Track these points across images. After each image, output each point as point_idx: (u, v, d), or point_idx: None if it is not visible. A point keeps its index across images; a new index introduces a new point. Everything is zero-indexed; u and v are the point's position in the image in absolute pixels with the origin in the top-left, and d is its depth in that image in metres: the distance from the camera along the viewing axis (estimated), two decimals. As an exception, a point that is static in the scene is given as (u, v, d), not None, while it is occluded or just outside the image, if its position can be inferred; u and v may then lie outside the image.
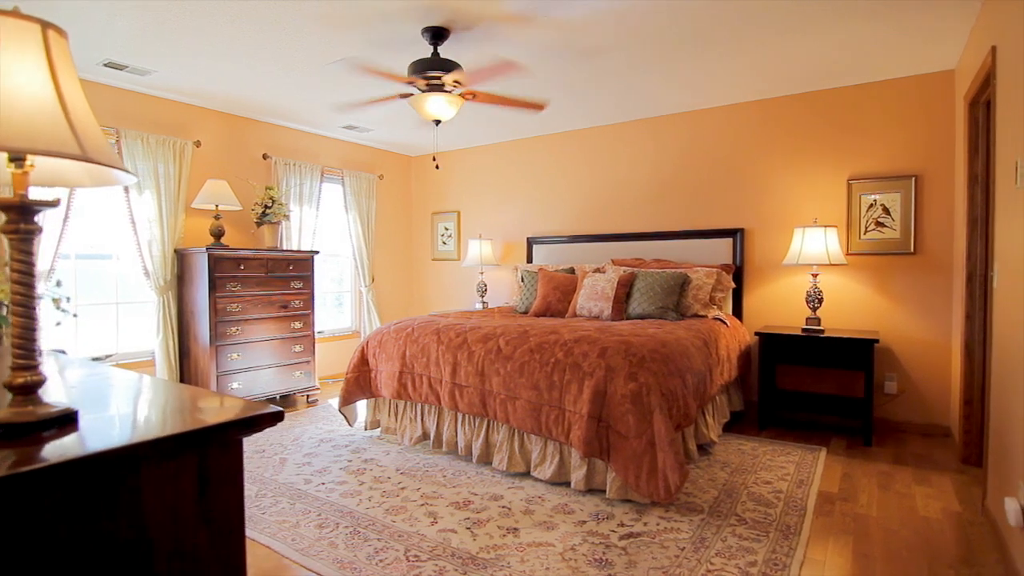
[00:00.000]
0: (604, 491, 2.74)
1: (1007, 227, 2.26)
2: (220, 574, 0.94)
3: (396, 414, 3.65)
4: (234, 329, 4.20)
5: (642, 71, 3.79)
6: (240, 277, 4.25)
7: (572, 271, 4.84)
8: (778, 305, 4.35)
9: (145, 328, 4.31)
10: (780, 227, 4.32)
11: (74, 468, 0.75)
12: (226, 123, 4.74)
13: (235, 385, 4.20)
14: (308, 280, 4.73)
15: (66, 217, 3.62)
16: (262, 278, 4.40)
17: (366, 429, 3.80)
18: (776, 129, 4.33)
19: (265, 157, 5.00)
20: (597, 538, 2.34)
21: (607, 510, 2.60)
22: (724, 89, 4.17)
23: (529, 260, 5.59)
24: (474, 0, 2.80)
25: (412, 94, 3.34)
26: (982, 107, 3.04)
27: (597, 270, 4.62)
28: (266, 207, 4.62)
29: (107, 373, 1.36)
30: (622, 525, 2.45)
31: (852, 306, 4.06)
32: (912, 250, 3.84)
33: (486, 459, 3.18)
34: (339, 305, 5.97)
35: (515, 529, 2.43)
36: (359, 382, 3.72)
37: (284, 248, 4.91)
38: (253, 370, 4.32)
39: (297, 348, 4.63)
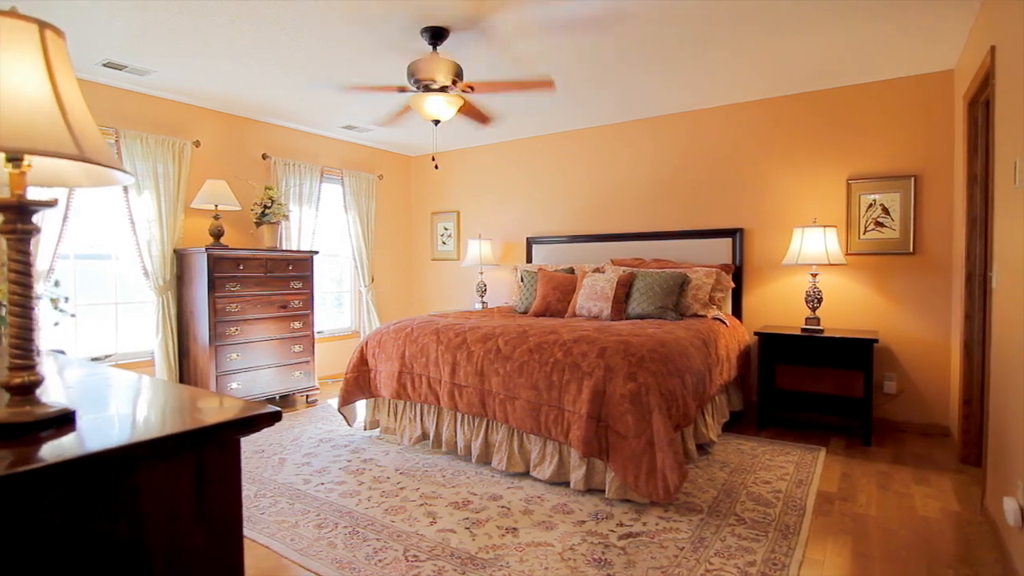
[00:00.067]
0: (603, 491, 2.74)
1: (1006, 227, 2.26)
2: (218, 574, 0.94)
3: (395, 414, 3.65)
4: (233, 329, 4.20)
5: (642, 71, 3.80)
6: (239, 277, 4.25)
7: (571, 271, 4.84)
8: (777, 305, 4.35)
9: (144, 328, 4.31)
10: (779, 227, 4.32)
11: (71, 468, 0.75)
12: (225, 123, 4.74)
13: (234, 385, 4.20)
14: (307, 280, 4.73)
15: (65, 217, 3.62)
16: (261, 278, 4.40)
17: (365, 429, 3.80)
18: (776, 129, 4.34)
19: (264, 157, 5.00)
20: (596, 538, 2.34)
21: (606, 510, 2.60)
22: (724, 89, 4.17)
23: (529, 260, 5.59)
24: (473, 0, 2.80)
25: (411, 94, 3.34)
26: (981, 107, 3.04)
27: (596, 270, 4.62)
28: (265, 207, 4.62)
29: (106, 373, 1.36)
30: (621, 525, 2.45)
31: (851, 306, 4.06)
32: (911, 250, 3.84)
33: (485, 459, 3.18)
34: (339, 305, 5.97)
35: (514, 529, 2.43)
36: (358, 382, 3.72)
37: (283, 248, 4.91)
38: (252, 370, 4.32)
39: (296, 348, 4.63)
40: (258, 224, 4.65)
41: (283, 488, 2.92)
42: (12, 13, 0.87)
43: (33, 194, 0.92)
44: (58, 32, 0.93)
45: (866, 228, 3.98)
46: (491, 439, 3.16)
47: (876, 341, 3.58)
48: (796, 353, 3.83)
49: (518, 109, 4.65)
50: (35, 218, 0.91)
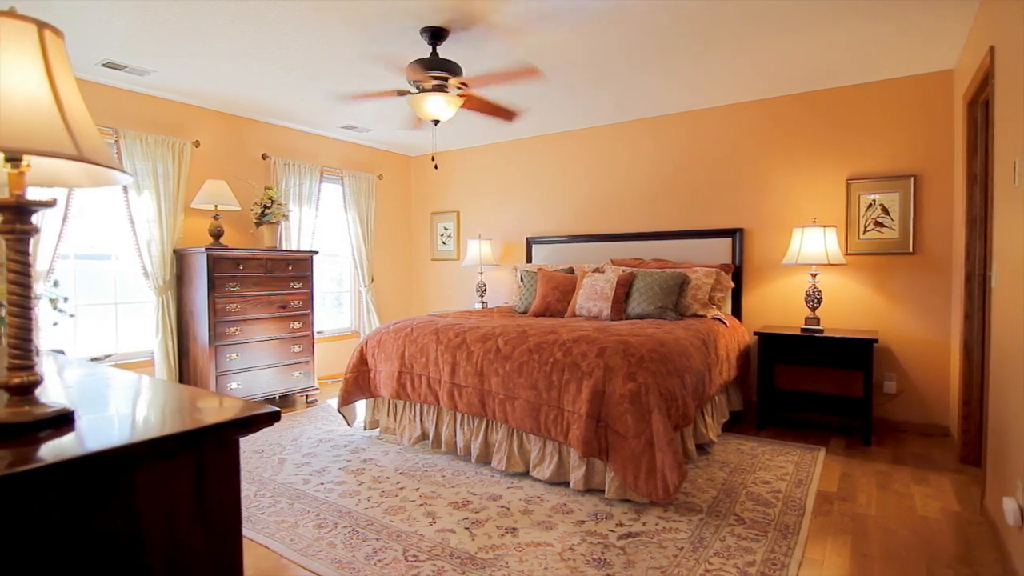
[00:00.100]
0: (603, 491, 2.74)
1: (1005, 227, 2.26)
2: (217, 574, 0.94)
3: (395, 414, 3.65)
4: (233, 329, 4.20)
5: (642, 71, 3.80)
6: (239, 277, 4.25)
7: (571, 271, 4.84)
8: (777, 305, 4.35)
9: (144, 328, 4.31)
10: (779, 227, 4.32)
11: (70, 468, 0.75)
12: (225, 123, 4.74)
13: (234, 385, 4.20)
14: (307, 280, 4.73)
15: (65, 217, 3.62)
16: (261, 278, 4.40)
17: (365, 429, 3.80)
18: (775, 129, 4.34)
19: (264, 157, 5.00)
20: (596, 538, 2.34)
21: (606, 510, 2.60)
22: (724, 89, 4.17)
23: (528, 260, 5.59)
24: (473, 0, 2.80)
25: (410, 92, 3.34)
26: (981, 107, 3.04)
27: (596, 270, 4.62)
28: (265, 207, 4.62)
29: (105, 373, 1.36)
30: (621, 525, 2.45)
31: (851, 306, 4.06)
32: (911, 250, 3.84)
33: (485, 459, 3.18)
34: (338, 305, 5.97)
35: (514, 529, 2.43)
36: (358, 382, 3.72)
37: (283, 248, 4.91)
38: (252, 370, 4.32)
39: (296, 348, 4.63)
40: (258, 224, 4.65)
41: (283, 488, 2.92)
42: (11, 13, 0.87)
43: (32, 194, 0.92)
44: (57, 32, 0.93)
45: (866, 228, 3.98)
46: (491, 439, 3.16)
47: (876, 341, 3.58)
48: (796, 353, 3.83)
49: (523, 102, 4.64)
50: (34, 218, 0.91)
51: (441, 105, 3.20)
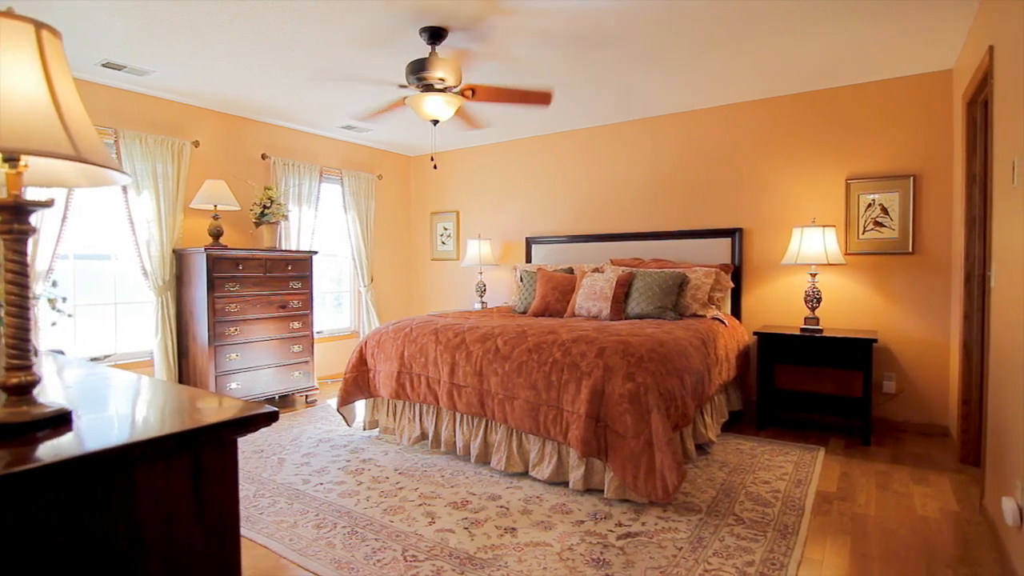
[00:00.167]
0: (602, 491, 2.74)
1: (1005, 227, 2.26)
2: (215, 574, 0.94)
3: (394, 414, 3.65)
4: (232, 329, 4.20)
5: (642, 71, 3.80)
6: (239, 277, 4.25)
7: (571, 271, 4.84)
8: (777, 305, 4.35)
9: (144, 328, 4.31)
10: (779, 227, 4.32)
11: (68, 468, 0.75)
12: (224, 123, 4.74)
13: (234, 385, 4.20)
14: (307, 280, 4.73)
15: (64, 217, 3.62)
16: (261, 278, 4.40)
17: (364, 429, 3.80)
18: (775, 129, 4.34)
19: (264, 157, 5.00)
20: (595, 538, 2.34)
21: (605, 510, 2.60)
22: (723, 89, 4.17)
23: (528, 260, 5.59)
24: (472, 1, 2.80)
25: (410, 94, 3.34)
26: (980, 107, 3.04)
27: (596, 270, 4.62)
28: (265, 207, 4.62)
29: (104, 373, 1.36)
30: (620, 525, 2.46)
31: (851, 306, 4.06)
32: (910, 250, 3.84)
33: (484, 459, 3.18)
34: (338, 305, 5.98)
35: (513, 529, 2.43)
36: (357, 382, 3.72)
37: (283, 248, 4.91)
38: (252, 370, 4.32)
39: (296, 348, 4.63)
40: (257, 224, 4.65)
41: (282, 488, 2.92)
42: (8, 13, 0.87)
43: (31, 194, 0.92)
44: (54, 32, 0.93)
45: (865, 228, 3.98)
46: (490, 439, 3.16)
47: (875, 341, 3.58)
48: (795, 353, 3.83)
49: (518, 109, 4.65)
50: (32, 218, 0.91)
51: (440, 105, 3.20)
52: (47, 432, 0.86)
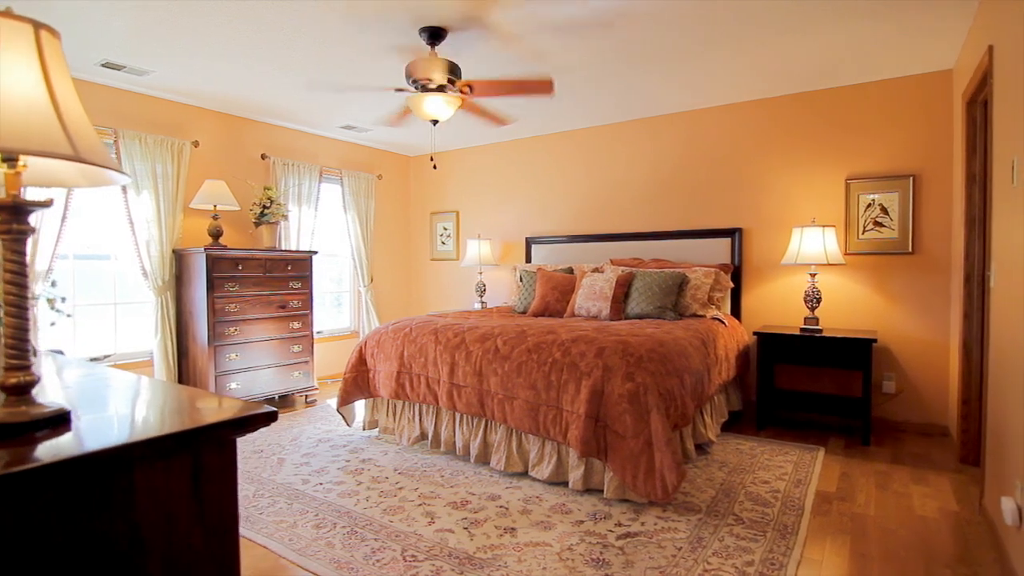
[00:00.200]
0: (602, 491, 2.74)
1: (1004, 226, 2.26)
2: (214, 573, 0.94)
3: (394, 414, 3.65)
4: (232, 329, 4.20)
5: (642, 71, 3.80)
6: (238, 277, 4.25)
7: (571, 271, 4.84)
8: (776, 305, 4.35)
9: (143, 328, 4.31)
10: (778, 227, 4.32)
11: (66, 468, 0.75)
12: (224, 123, 4.74)
13: (233, 385, 4.20)
14: (307, 280, 4.73)
15: (64, 217, 3.62)
16: (260, 278, 4.40)
17: (364, 429, 3.80)
18: (775, 129, 4.34)
19: (263, 157, 5.00)
20: (594, 538, 2.34)
21: (604, 510, 2.60)
22: (723, 89, 4.17)
23: (528, 260, 5.59)
24: (471, 0, 2.80)
25: (409, 94, 3.34)
26: (980, 106, 3.04)
27: (596, 270, 4.62)
28: (264, 207, 4.62)
29: (103, 373, 1.36)
30: (619, 525, 2.46)
31: (850, 306, 4.06)
32: (910, 250, 3.84)
33: (484, 459, 3.18)
34: (338, 305, 5.97)
35: (512, 529, 2.43)
36: (357, 382, 3.72)
37: (283, 248, 4.91)
38: (251, 370, 4.32)
39: (296, 348, 4.63)
40: (257, 224, 4.65)
41: (282, 488, 2.92)
42: (7, 13, 0.87)
43: (30, 195, 0.92)
44: (53, 32, 0.93)
45: (865, 228, 3.98)
46: (490, 439, 3.16)
47: (875, 341, 3.58)
48: (795, 353, 3.83)
49: (517, 109, 4.65)
50: (31, 218, 0.91)
51: (440, 105, 3.20)
52: (46, 432, 0.86)
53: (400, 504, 2.69)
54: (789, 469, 3.12)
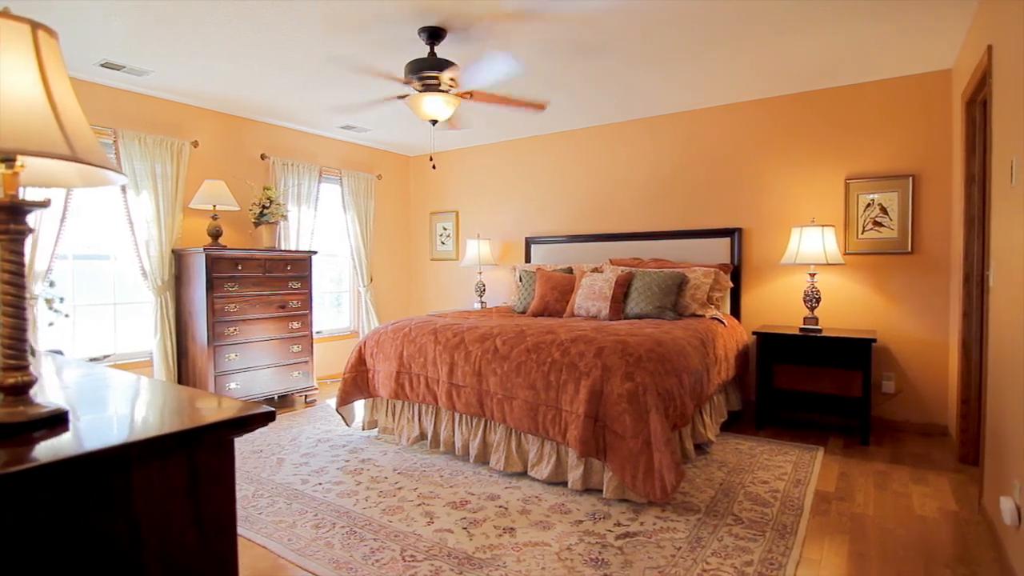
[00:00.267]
0: (601, 491, 2.74)
1: (1003, 226, 2.26)
2: (212, 573, 0.94)
3: (394, 414, 3.65)
4: (232, 329, 4.20)
5: (642, 71, 3.80)
6: (238, 277, 4.25)
7: (570, 271, 4.84)
8: (776, 305, 4.35)
9: (143, 328, 4.31)
10: (778, 227, 4.32)
11: (64, 468, 0.75)
12: (223, 123, 4.74)
13: (233, 385, 4.20)
14: (306, 280, 4.73)
15: (63, 218, 3.62)
16: (260, 278, 4.40)
17: (364, 429, 3.80)
18: (774, 129, 4.34)
19: (263, 157, 5.00)
20: (593, 538, 2.34)
21: (604, 510, 2.60)
22: (723, 89, 4.17)
23: (527, 260, 5.59)
24: (471, 0, 2.80)
25: (409, 94, 3.34)
26: (979, 106, 3.04)
27: (595, 270, 4.62)
28: (264, 207, 4.62)
29: (102, 374, 1.36)
30: (619, 525, 2.46)
31: (850, 305, 4.06)
32: (909, 249, 3.84)
33: (483, 459, 3.18)
34: (337, 305, 5.98)
35: (511, 529, 2.43)
36: (357, 382, 3.72)
37: (282, 248, 4.91)
38: (251, 370, 4.32)
39: (295, 348, 4.63)
40: (256, 224, 4.65)
41: (281, 488, 2.92)
42: (4, 13, 0.87)
43: (28, 195, 0.92)
44: (51, 32, 0.93)
45: (864, 228, 3.98)
46: (489, 439, 3.16)
47: (874, 341, 3.58)
48: (794, 353, 3.83)
49: (516, 109, 4.65)
50: (29, 218, 0.91)
51: (439, 105, 3.20)
52: (44, 432, 0.86)
53: (399, 504, 2.70)
54: (788, 469, 3.12)
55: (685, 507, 2.63)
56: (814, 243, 3.80)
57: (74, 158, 0.87)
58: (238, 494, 2.81)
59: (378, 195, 6.10)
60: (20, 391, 0.90)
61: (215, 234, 4.29)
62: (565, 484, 2.88)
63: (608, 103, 4.52)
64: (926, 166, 3.80)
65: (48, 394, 1.12)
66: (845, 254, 4.02)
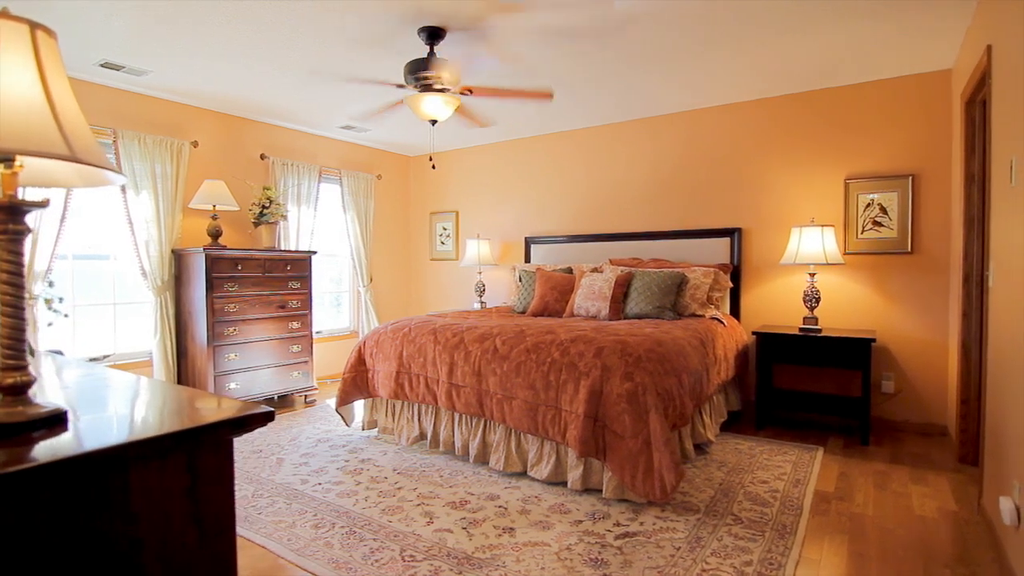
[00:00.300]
0: (600, 491, 2.74)
1: (1003, 226, 2.26)
2: (211, 573, 0.94)
3: (393, 414, 3.65)
4: (232, 329, 4.20)
5: (642, 71, 3.80)
6: (238, 277, 4.25)
7: (570, 271, 4.84)
8: (775, 305, 4.35)
9: (143, 328, 4.31)
10: (777, 227, 4.32)
11: (63, 468, 0.75)
12: (223, 123, 4.74)
13: (233, 385, 4.20)
14: (306, 280, 4.73)
15: (63, 218, 3.62)
16: (260, 278, 4.40)
17: (363, 429, 3.80)
18: (774, 128, 4.34)
19: (263, 157, 5.00)
20: (593, 538, 2.34)
21: (603, 510, 2.60)
22: (723, 89, 4.17)
23: (527, 260, 5.59)
24: (470, 0, 2.80)
25: (408, 95, 3.34)
26: (978, 106, 3.04)
27: (595, 270, 4.62)
28: (264, 207, 4.62)
29: (102, 374, 1.36)
30: (618, 525, 2.46)
31: (849, 305, 4.06)
32: (909, 249, 3.84)
33: (483, 459, 3.18)
34: (337, 305, 5.98)
35: (511, 529, 2.43)
36: (356, 382, 3.72)
37: (282, 248, 4.91)
38: (251, 370, 4.32)
39: (295, 348, 4.63)
40: (256, 224, 4.65)
41: (280, 488, 2.92)
42: (3, 13, 0.87)
43: (28, 195, 0.92)
44: (49, 32, 0.93)
45: (864, 228, 3.98)
46: (489, 439, 3.16)
47: (874, 340, 3.58)
48: (794, 353, 3.83)
49: (517, 109, 4.65)
50: (28, 218, 0.91)
51: (439, 105, 3.20)
52: (43, 432, 0.86)
53: (399, 504, 2.70)
54: (788, 469, 3.12)
55: (685, 507, 2.63)
56: (814, 243, 3.80)
57: (73, 158, 0.87)
58: (238, 494, 2.81)
59: (378, 195, 6.10)
60: (19, 391, 0.90)
61: (215, 234, 4.29)
62: (565, 484, 2.88)
63: (608, 103, 4.52)
64: (926, 166, 3.80)
65: (47, 394, 1.12)
66: (845, 254, 4.02)
